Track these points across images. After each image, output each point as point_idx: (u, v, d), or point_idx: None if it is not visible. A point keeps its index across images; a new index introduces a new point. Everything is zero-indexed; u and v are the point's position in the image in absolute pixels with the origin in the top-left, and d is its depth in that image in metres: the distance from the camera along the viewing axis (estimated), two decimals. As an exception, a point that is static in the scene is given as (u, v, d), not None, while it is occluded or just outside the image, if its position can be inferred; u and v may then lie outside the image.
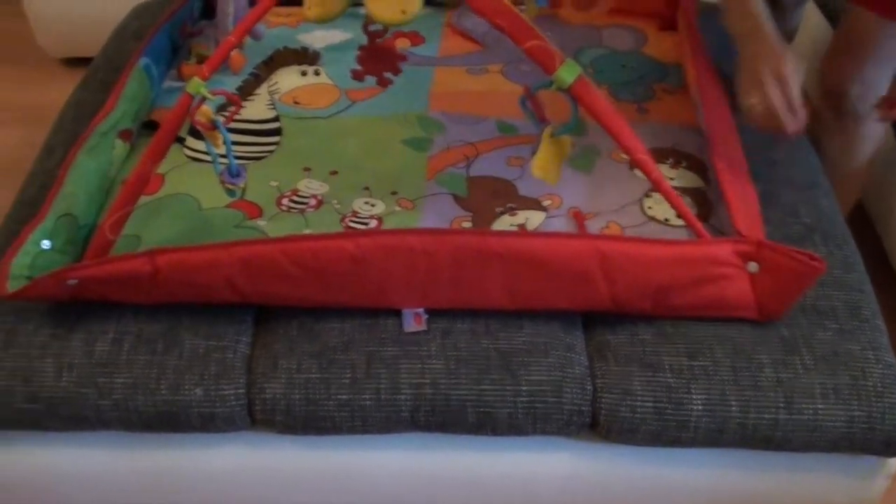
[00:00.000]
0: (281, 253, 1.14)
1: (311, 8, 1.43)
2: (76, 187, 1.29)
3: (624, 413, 1.15)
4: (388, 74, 1.59)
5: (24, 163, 1.49)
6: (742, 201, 1.27)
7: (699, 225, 1.20)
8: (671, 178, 1.36)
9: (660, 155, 1.39)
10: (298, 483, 1.26)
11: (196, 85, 1.17)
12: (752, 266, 1.17)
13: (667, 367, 1.16)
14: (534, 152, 1.19)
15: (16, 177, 1.46)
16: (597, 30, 1.67)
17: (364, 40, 1.66)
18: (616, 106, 1.29)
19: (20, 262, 1.18)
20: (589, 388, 1.17)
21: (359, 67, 1.60)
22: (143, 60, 1.51)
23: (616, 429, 1.16)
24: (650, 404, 1.14)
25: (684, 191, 1.33)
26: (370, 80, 1.58)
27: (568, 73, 1.12)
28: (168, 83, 1.58)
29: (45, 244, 1.21)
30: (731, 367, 1.16)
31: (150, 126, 1.46)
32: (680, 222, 1.28)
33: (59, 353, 1.18)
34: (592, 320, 1.23)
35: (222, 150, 1.22)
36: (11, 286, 1.15)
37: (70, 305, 1.21)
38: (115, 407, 1.16)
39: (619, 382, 1.16)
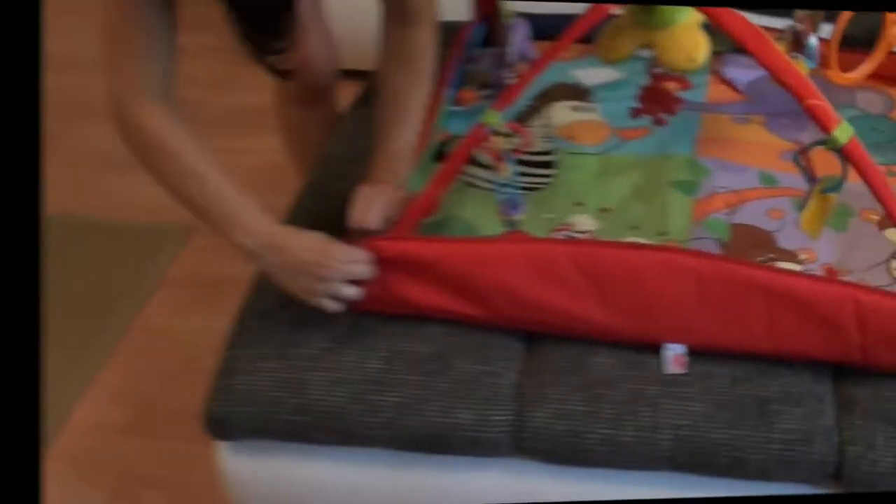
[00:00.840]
0: (565, 255, 1.26)
1: (606, 50, 1.53)
2: None
3: (865, 467, 1.20)
4: (664, 115, 1.68)
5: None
6: None
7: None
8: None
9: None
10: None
11: (492, 116, 1.33)
12: None
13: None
14: (802, 207, 1.27)
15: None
16: (851, 91, 1.70)
17: (640, 81, 1.73)
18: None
19: None
20: (835, 440, 1.22)
21: (638, 106, 1.70)
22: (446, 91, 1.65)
23: (858, 481, 1.21)
24: (890, 460, 1.18)
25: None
26: (645, 119, 1.67)
27: (843, 133, 1.21)
28: (448, 107, 1.69)
29: None
30: None
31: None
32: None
33: (332, 367, 1.27)
34: (840, 373, 1.28)
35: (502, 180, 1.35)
36: None
37: (343, 320, 1.30)
38: (385, 425, 1.25)
39: (863, 437, 1.21)
